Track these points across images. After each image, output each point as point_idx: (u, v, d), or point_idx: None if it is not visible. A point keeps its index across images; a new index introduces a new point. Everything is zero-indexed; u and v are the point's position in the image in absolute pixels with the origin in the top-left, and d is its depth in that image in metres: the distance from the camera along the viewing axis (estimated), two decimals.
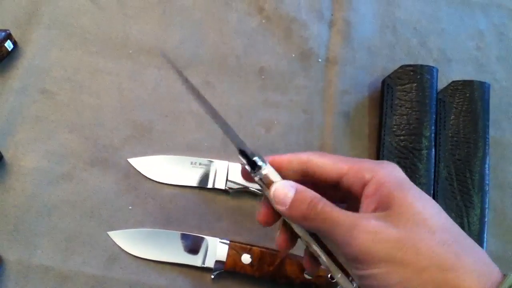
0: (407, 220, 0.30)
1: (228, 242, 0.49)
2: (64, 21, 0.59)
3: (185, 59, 0.59)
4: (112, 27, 0.60)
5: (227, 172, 0.53)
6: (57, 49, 0.58)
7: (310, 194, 0.33)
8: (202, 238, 0.50)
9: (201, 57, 0.59)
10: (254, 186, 0.52)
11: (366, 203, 0.32)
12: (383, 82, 0.56)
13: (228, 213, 0.53)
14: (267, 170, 0.34)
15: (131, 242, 0.51)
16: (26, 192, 0.53)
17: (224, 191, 0.53)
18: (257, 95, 0.58)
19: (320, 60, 0.60)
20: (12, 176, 0.53)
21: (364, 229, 0.30)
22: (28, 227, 0.51)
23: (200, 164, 0.54)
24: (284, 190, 0.33)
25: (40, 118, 0.55)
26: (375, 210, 0.32)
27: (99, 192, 0.53)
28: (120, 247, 0.51)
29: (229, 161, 0.54)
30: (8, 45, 0.56)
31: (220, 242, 0.50)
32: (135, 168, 0.54)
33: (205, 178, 0.53)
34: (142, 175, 0.54)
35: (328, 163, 0.34)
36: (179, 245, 0.50)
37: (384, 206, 0.31)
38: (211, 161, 0.54)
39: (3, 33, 0.55)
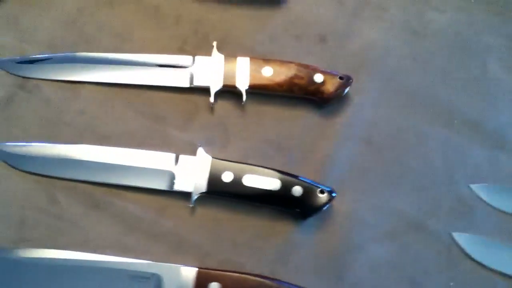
0: None
1: None
2: (392, 78, 0.59)
3: (509, 141, 0.57)
4: (436, 94, 0.59)
5: None
6: (385, 105, 0.58)
7: None
8: None
9: None
10: None
11: None
12: None
13: None
14: None
15: None
16: (352, 243, 0.52)
17: None
18: None
19: None
20: (338, 222, 0.52)
21: None
22: (351, 280, 0.50)
23: None
24: None
25: (366, 170, 0.55)
26: None
27: (420, 260, 0.52)
28: None
29: None
30: (343, 91, 0.56)
31: None
32: (459, 244, 0.52)
33: None
34: (466, 253, 0.51)
35: None
36: None
37: None
38: None
39: (349, 79, 0.56)
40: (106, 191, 0.52)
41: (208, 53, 0.58)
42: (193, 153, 0.53)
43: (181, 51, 0.59)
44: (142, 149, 0.53)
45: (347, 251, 0.51)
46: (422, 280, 0.51)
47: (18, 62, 0.56)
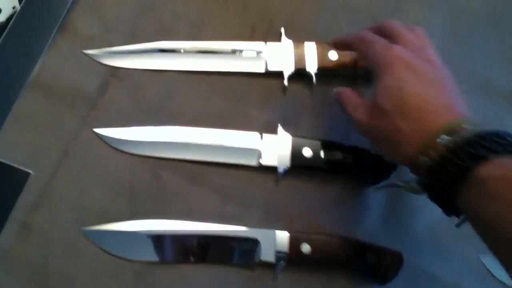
0: None
1: None
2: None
3: None
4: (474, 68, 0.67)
5: None
6: None
7: None
8: None
9: None
10: None
11: None
12: None
13: None
14: None
15: None
16: (412, 207, 0.61)
17: None
18: None
19: None
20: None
21: None
22: (411, 238, 0.60)
23: None
24: None
25: None
26: None
27: None
28: None
29: None
30: None
31: None
32: None
33: None
34: None
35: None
36: None
37: None
38: None
39: None
40: (203, 168, 0.60)
41: (274, 38, 0.64)
42: (271, 130, 0.61)
43: (251, 38, 0.65)
44: (226, 128, 0.61)
45: (408, 213, 0.61)
46: None
47: (109, 53, 0.62)
